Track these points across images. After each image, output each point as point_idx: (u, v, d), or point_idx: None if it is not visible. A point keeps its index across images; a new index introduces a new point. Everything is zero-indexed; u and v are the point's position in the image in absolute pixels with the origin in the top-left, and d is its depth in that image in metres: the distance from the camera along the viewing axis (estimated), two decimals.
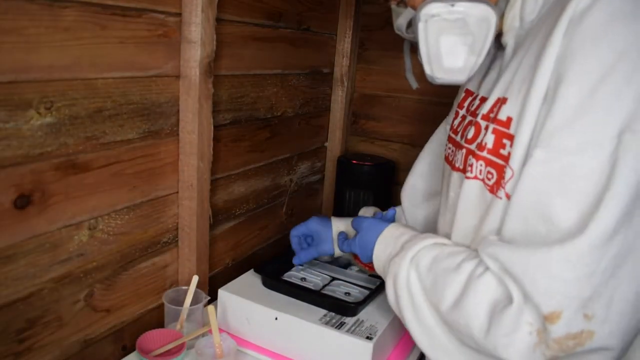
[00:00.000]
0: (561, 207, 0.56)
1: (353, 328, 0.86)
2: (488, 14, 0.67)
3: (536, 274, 0.57)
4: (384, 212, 1.00)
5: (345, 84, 1.52)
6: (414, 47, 0.79)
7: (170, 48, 0.91)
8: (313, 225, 1.04)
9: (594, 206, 0.54)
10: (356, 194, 1.46)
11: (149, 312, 0.99)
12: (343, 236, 0.95)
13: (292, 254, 1.08)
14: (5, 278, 0.72)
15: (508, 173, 0.63)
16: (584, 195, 0.55)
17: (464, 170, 0.73)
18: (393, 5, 0.78)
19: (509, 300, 0.59)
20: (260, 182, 1.28)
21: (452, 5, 0.67)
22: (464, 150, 0.74)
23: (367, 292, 0.98)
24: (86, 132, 0.79)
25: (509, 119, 0.64)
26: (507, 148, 0.64)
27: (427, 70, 0.72)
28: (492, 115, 0.69)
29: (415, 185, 1.06)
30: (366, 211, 1.08)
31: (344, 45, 1.49)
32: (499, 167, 0.65)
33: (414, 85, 0.86)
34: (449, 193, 0.78)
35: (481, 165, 0.68)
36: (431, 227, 0.93)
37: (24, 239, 0.73)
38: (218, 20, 0.95)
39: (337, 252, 1.02)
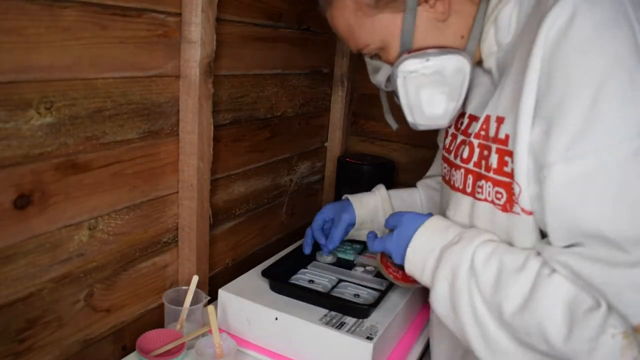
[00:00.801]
0: (598, 216, 0.56)
1: (353, 328, 0.86)
2: (462, 64, 0.71)
3: (621, 287, 0.56)
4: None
5: (345, 84, 1.52)
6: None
7: (170, 48, 0.91)
8: (330, 209, 1.04)
9: None
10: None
11: (149, 312, 0.99)
12: (373, 234, 0.87)
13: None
14: (5, 278, 0.72)
15: (516, 189, 0.64)
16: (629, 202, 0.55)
17: (464, 191, 0.74)
18: (367, 58, 0.82)
19: (592, 302, 0.58)
20: (260, 182, 1.28)
21: (427, 60, 0.70)
22: (462, 170, 0.75)
23: (376, 293, 0.97)
24: (86, 132, 0.79)
25: (507, 136, 0.66)
26: (510, 165, 0.65)
27: (410, 118, 0.77)
28: (482, 133, 0.71)
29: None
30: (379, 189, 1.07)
31: (344, 45, 1.49)
32: (506, 185, 0.66)
33: (394, 126, 0.90)
34: (449, 212, 0.79)
35: (489, 186, 0.69)
36: None
37: (24, 239, 0.73)
38: (218, 20, 0.95)
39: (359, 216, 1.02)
